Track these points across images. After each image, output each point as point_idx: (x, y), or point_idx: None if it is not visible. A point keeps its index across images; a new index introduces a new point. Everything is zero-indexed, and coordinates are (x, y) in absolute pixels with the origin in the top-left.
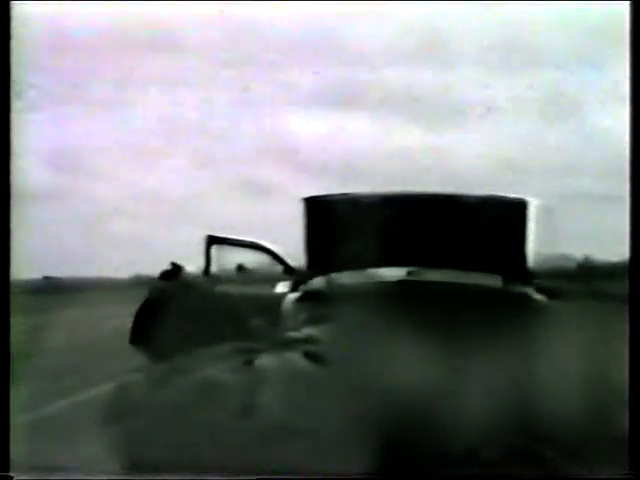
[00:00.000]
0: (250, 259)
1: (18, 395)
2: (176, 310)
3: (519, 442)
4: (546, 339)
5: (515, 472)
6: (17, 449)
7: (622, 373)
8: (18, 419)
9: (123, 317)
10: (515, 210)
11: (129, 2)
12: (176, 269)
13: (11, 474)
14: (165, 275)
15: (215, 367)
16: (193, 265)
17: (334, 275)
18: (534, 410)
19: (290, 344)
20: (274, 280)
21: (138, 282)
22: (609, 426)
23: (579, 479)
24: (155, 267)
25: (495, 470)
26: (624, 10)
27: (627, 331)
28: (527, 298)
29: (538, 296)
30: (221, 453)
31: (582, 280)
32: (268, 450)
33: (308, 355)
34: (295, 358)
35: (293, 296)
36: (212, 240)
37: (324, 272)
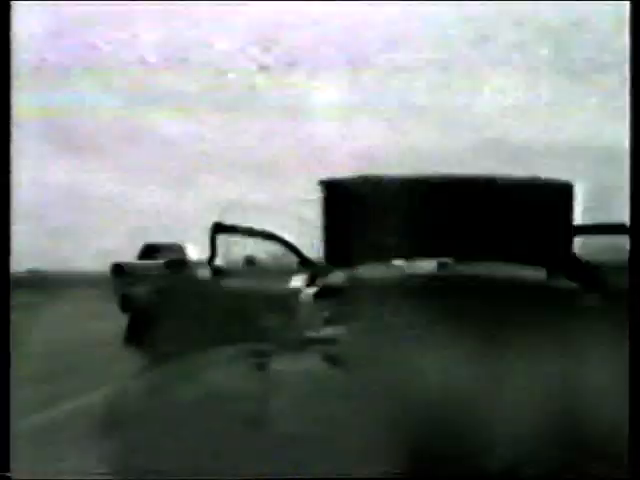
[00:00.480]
0: (261, 250)
1: None
2: (178, 307)
3: (567, 456)
4: (594, 342)
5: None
6: None
7: None
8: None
9: (109, 316)
10: (559, 195)
11: None
12: (181, 260)
13: (11, 474)
14: (170, 264)
15: (223, 372)
16: (196, 255)
17: (356, 268)
18: (580, 420)
19: (307, 345)
20: (288, 274)
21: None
22: None
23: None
24: None
25: None
26: None
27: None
28: (574, 294)
29: (586, 292)
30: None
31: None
32: (284, 465)
33: (328, 358)
34: (313, 361)
35: (310, 292)
36: (218, 228)
37: (345, 265)
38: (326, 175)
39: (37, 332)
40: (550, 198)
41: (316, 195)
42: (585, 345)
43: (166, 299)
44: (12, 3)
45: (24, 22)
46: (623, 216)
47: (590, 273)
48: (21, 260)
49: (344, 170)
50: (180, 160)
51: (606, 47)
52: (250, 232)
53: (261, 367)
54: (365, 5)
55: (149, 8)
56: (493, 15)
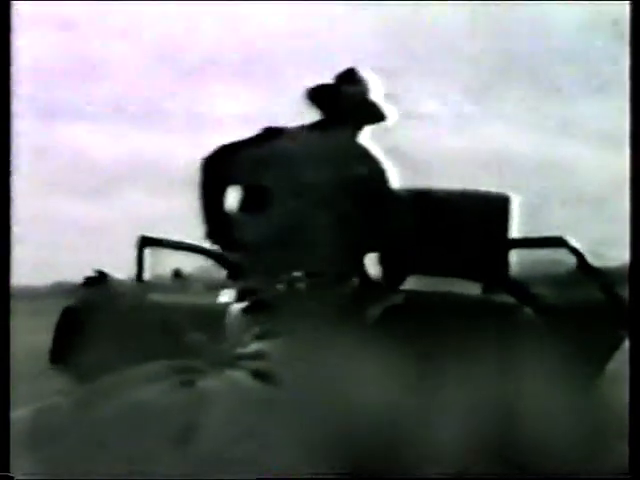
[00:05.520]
0: (189, 263)
1: None
2: (103, 323)
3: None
4: (532, 359)
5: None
6: None
7: (619, 399)
8: None
9: (40, 331)
10: (495, 207)
11: None
12: (102, 275)
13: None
14: (89, 282)
15: (148, 389)
16: (123, 271)
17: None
18: (514, 444)
19: (236, 362)
20: (218, 288)
21: (59, 290)
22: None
23: (579, 479)
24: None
25: None
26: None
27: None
28: (511, 310)
29: (523, 308)
30: None
31: (575, 289)
32: None
33: (257, 374)
34: (242, 378)
35: (239, 306)
36: (145, 242)
37: (276, 277)
38: None
39: None
40: (485, 210)
41: None
42: (520, 358)
43: (90, 315)
44: (12, 3)
45: None
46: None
47: (526, 287)
48: None
49: None
50: (96, 172)
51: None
52: (178, 245)
53: (187, 384)
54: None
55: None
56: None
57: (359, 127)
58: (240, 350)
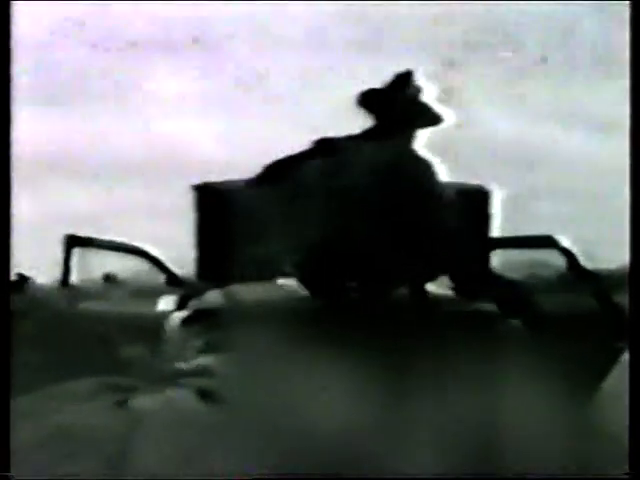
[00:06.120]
0: (123, 267)
1: None
2: (23, 334)
3: None
4: (515, 377)
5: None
6: None
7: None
8: None
9: None
10: (473, 202)
11: None
12: (22, 279)
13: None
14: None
15: (76, 410)
16: (46, 275)
17: (234, 287)
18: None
19: (177, 379)
20: (155, 294)
21: None
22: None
23: (579, 479)
24: None
25: None
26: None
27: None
28: (489, 318)
29: (506, 316)
30: None
31: (566, 295)
32: None
33: (201, 393)
34: (183, 397)
35: (180, 315)
36: (73, 241)
37: (221, 284)
38: (186, 178)
39: None
40: (462, 205)
41: (187, 202)
42: (507, 384)
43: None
44: (12, 3)
45: None
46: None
47: (511, 293)
48: None
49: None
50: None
51: None
52: (110, 246)
53: (121, 404)
54: None
55: None
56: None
57: (414, 132)
58: (181, 365)
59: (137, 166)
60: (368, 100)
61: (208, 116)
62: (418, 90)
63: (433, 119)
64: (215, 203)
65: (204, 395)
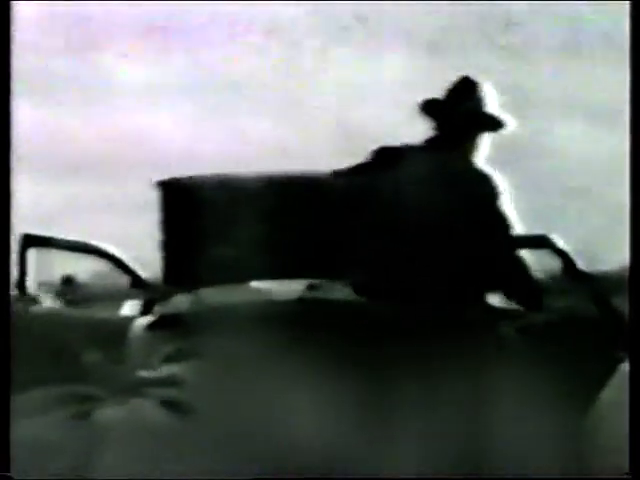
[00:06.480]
0: (83, 268)
1: None
2: None
3: None
4: (507, 387)
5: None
6: None
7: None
8: None
9: None
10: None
11: None
12: None
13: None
14: None
15: (34, 422)
16: None
17: (202, 291)
18: None
19: (141, 388)
20: (118, 298)
21: None
22: None
23: (579, 479)
24: None
25: None
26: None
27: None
28: (481, 326)
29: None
30: None
31: (561, 298)
32: None
33: (167, 404)
34: (149, 408)
35: (144, 321)
36: (29, 241)
37: (189, 287)
38: (154, 174)
39: None
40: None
41: (152, 199)
42: (499, 395)
43: None
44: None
45: None
46: None
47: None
48: None
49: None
50: None
51: None
52: (69, 245)
53: (82, 416)
54: None
55: None
56: None
57: (474, 141)
58: (146, 374)
59: (94, 159)
60: (430, 108)
61: (174, 107)
62: (480, 97)
63: (494, 124)
64: (181, 200)
65: (170, 406)
